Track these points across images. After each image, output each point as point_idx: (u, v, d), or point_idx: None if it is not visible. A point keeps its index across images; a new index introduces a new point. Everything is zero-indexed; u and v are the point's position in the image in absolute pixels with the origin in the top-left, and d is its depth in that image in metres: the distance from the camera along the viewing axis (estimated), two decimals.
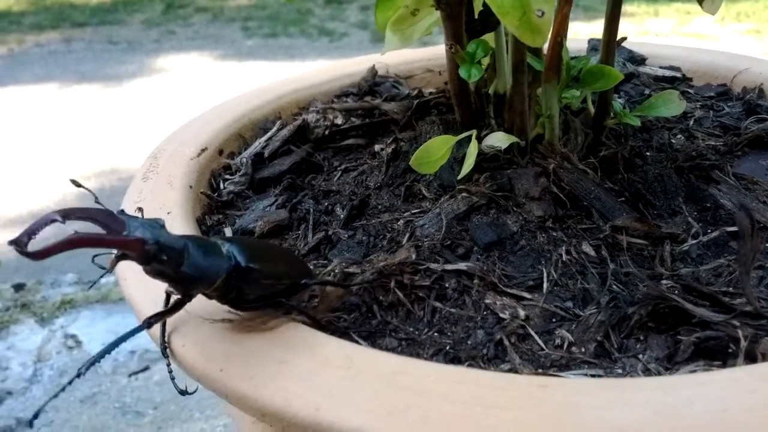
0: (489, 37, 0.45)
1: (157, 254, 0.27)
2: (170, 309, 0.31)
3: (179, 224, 0.40)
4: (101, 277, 0.29)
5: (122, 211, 0.28)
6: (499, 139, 0.42)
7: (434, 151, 0.40)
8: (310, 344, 0.30)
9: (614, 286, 0.35)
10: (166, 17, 3.36)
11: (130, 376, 0.87)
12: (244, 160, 0.49)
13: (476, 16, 0.45)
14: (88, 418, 0.81)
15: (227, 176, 0.48)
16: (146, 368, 0.88)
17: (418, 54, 0.63)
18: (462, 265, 0.36)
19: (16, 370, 0.89)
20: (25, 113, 2.16)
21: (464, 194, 0.40)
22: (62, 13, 3.44)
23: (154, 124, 1.96)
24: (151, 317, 0.31)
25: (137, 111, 2.12)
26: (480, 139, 0.42)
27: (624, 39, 0.52)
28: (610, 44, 0.44)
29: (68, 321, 0.97)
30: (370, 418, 0.26)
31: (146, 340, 0.94)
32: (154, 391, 0.85)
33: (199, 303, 0.31)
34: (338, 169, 0.49)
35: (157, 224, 0.28)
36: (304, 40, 2.89)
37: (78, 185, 0.31)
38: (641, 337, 0.33)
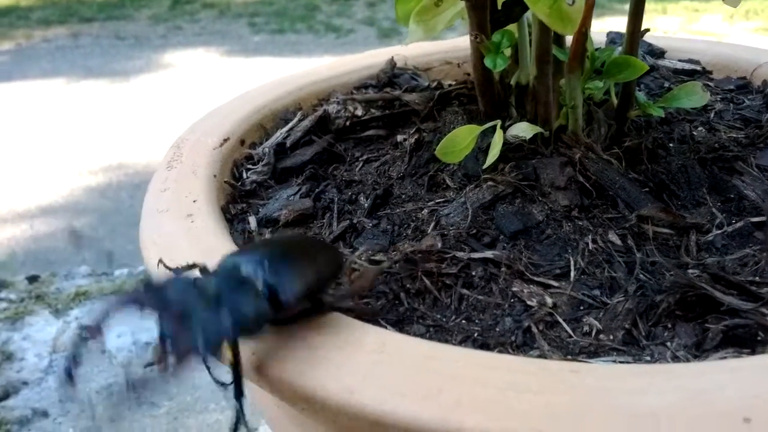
0: (511, 28, 0.45)
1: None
2: (238, 365, 0.29)
3: (205, 213, 0.40)
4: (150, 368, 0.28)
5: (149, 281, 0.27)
6: (523, 129, 0.42)
7: (459, 141, 0.40)
8: (341, 329, 0.30)
9: (641, 275, 0.35)
10: (173, 13, 3.36)
11: (145, 367, 0.87)
12: (266, 149, 0.49)
13: (499, 7, 0.45)
14: (104, 408, 0.82)
15: (249, 166, 0.49)
16: None
17: (436, 46, 0.63)
18: (488, 254, 0.36)
19: (31, 360, 0.90)
20: (32, 108, 2.17)
21: (489, 183, 0.41)
22: (70, 9, 3.45)
23: (160, 119, 1.96)
24: (238, 390, 0.29)
25: (144, 106, 2.12)
26: (504, 129, 0.42)
27: (647, 30, 0.52)
28: (634, 35, 0.44)
29: (83, 312, 0.98)
30: (404, 402, 0.26)
31: None
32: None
33: None
34: (360, 159, 0.49)
35: (198, 287, 0.26)
36: (311, 36, 2.90)
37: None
38: (669, 325, 0.33)
